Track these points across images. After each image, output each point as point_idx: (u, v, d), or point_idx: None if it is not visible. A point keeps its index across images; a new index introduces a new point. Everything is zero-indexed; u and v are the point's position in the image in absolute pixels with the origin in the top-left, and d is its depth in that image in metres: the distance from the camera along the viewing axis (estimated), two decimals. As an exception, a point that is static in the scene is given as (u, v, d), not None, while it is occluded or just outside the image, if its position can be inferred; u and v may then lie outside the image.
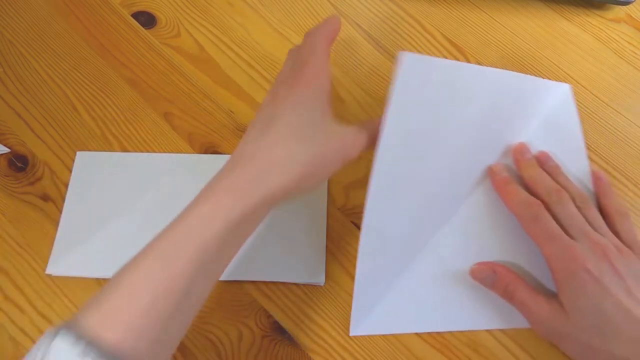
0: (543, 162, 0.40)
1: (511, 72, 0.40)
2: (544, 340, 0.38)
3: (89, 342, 0.24)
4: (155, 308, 0.26)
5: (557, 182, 0.38)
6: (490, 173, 0.40)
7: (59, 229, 0.41)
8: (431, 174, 0.37)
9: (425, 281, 0.39)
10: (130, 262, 0.28)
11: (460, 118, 0.38)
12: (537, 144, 0.41)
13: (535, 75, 0.46)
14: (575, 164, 0.41)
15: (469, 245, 0.39)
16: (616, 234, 0.36)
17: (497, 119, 0.40)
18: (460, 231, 0.40)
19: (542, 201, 0.37)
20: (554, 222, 0.35)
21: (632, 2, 0.47)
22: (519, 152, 0.41)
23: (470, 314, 0.38)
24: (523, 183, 0.39)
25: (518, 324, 0.37)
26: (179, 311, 0.27)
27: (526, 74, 0.46)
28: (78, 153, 0.43)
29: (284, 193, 0.30)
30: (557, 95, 0.44)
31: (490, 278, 0.38)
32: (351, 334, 0.38)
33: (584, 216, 0.36)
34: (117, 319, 0.26)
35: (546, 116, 0.42)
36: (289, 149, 0.30)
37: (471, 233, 0.40)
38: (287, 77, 0.33)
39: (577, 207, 0.36)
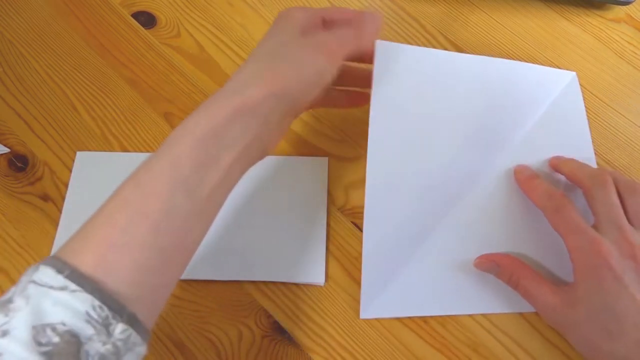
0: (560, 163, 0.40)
1: (516, 61, 0.41)
2: (544, 340, 0.38)
3: (71, 269, 0.24)
4: (133, 229, 0.26)
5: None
6: (515, 173, 0.40)
7: (59, 229, 0.41)
8: (430, 163, 0.38)
9: (433, 265, 0.39)
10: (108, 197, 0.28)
11: (456, 107, 0.38)
12: (543, 133, 0.41)
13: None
14: (581, 151, 0.42)
15: (476, 232, 0.39)
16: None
17: (498, 109, 0.40)
18: (468, 218, 0.40)
19: (584, 186, 0.36)
20: (578, 213, 0.35)
21: (632, 2, 0.47)
22: (556, 159, 0.41)
23: (477, 297, 0.38)
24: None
25: (525, 307, 0.37)
26: (161, 232, 0.27)
27: (526, 74, 0.46)
28: (78, 153, 0.43)
29: (254, 105, 0.30)
30: (563, 84, 0.44)
31: (494, 269, 0.38)
32: (361, 316, 0.38)
33: (625, 207, 0.35)
34: (95, 242, 0.26)
35: (552, 105, 0.42)
36: (255, 65, 0.32)
37: (478, 220, 0.40)
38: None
39: (620, 195, 0.35)
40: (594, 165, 0.41)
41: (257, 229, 0.41)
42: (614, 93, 0.45)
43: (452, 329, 0.38)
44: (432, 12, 0.49)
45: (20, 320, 0.23)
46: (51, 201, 0.42)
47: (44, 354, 0.22)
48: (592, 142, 0.43)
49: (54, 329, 0.23)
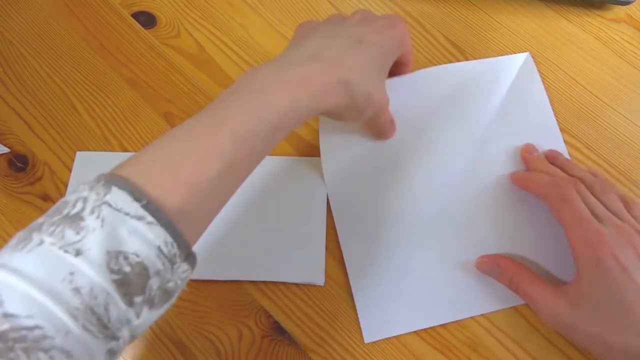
0: (553, 158, 0.40)
1: (470, 61, 0.43)
2: (544, 340, 0.38)
3: (148, 200, 0.24)
4: (222, 183, 0.27)
5: (572, 175, 0.38)
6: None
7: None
8: (398, 185, 0.40)
9: (428, 276, 0.39)
10: (203, 128, 0.28)
11: (421, 123, 0.41)
12: (508, 120, 0.42)
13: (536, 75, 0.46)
14: (546, 130, 0.43)
15: (471, 237, 0.40)
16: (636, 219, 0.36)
17: (465, 112, 0.42)
18: (452, 226, 0.40)
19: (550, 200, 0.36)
20: (583, 205, 0.34)
21: (632, 2, 0.47)
22: (526, 151, 0.41)
23: (477, 299, 0.38)
24: None
25: (519, 300, 0.38)
26: (235, 186, 0.29)
27: (526, 74, 0.46)
28: (78, 153, 0.43)
29: (342, 108, 0.33)
30: (517, 67, 0.44)
31: (495, 271, 0.38)
32: (366, 341, 0.38)
33: (603, 202, 0.35)
34: (180, 184, 0.26)
35: (510, 89, 0.43)
36: (365, 75, 0.33)
37: (465, 225, 0.40)
38: (374, 16, 0.37)
39: (596, 195, 0.36)
40: (561, 143, 0.42)
41: (257, 229, 0.41)
42: (614, 93, 0.45)
43: (452, 329, 0.38)
44: (432, 12, 0.49)
45: (94, 241, 0.23)
46: (51, 201, 0.42)
47: (115, 282, 0.22)
48: (593, 141, 0.43)
49: (126, 258, 0.23)
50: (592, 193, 0.36)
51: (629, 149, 0.43)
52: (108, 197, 0.24)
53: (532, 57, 0.46)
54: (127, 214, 0.23)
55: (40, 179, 0.43)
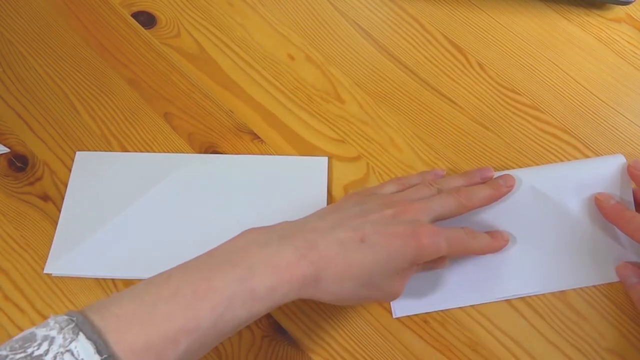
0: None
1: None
2: (544, 340, 0.38)
3: (109, 354, 0.25)
4: (188, 353, 0.27)
5: None
6: (597, 202, 0.40)
7: (58, 228, 0.41)
8: None
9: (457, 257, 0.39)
10: (184, 300, 0.28)
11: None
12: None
13: (536, 75, 0.46)
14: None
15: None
16: None
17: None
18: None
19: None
20: None
21: (632, 2, 0.47)
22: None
23: (503, 282, 0.39)
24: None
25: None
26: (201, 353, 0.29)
27: (526, 74, 0.46)
28: (77, 153, 0.43)
29: (310, 299, 0.32)
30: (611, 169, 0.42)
31: (631, 280, 0.37)
32: (394, 316, 0.38)
33: None
34: (147, 343, 0.26)
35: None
36: (348, 283, 0.32)
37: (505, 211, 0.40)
38: (407, 220, 0.34)
39: None
40: None
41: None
42: (614, 93, 0.45)
43: (452, 329, 0.38)
44: (432, 12, 0.49)
45: None
46: (51, 201, 0.42)
47: None
48: (592, 141, 0.43)
49: None
50: None
51: (629, 149, 0.43)
52: (72, 345, 0.24)
53: (533, 56, 0.46)
54: None
55: (40, 179, 0.43)
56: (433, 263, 0.37)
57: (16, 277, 0.40)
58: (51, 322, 0.25)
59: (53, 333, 0.25)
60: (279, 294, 0.29)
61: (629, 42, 0.47)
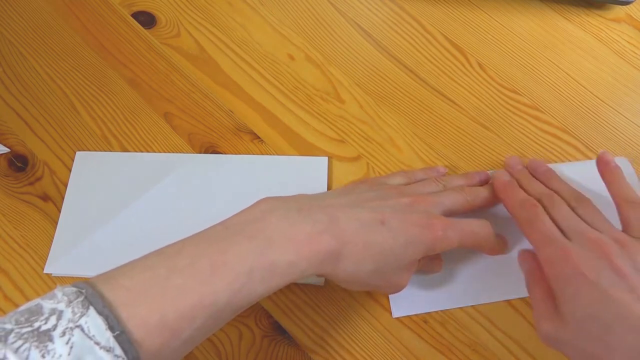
0: (534, 169, 0.40)
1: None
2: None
3: (122, 330, 0.24)
4: (201, 328, 0.27)
5: (550, 187, 0.37)
6: (493, 179, 0.39)
7: (58, 228, 0.41)
8: None
9: (459, 258, 0.39)
10: (199, 272, 0.27)
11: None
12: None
13: (536, 75, 0.46)
14: None
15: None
16: (626, 224, 0.33)
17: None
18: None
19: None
20: (550, 224, 0.33)
21: (632, 2, 0.47)
22: (510, 166, 0.40)
23: (506, 284, 0.39)
24: None
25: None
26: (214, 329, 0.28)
27: (526, 74, 0.46)
28: (77, 153, 0.43)
29: (328, 278, 0.31)
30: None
31: (525, 265, 0.36)
32: (394, 316, 0.38)
33: (580, 215, 0.34)
34: (159, 318, 0.25)
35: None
36: (364, 266, 0.31)
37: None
38: (425, 208, 0.33)
39: (572, 208, 0.35)
40: None
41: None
42: (614, 92, 0.45)
43: (452, 329, 0.38)
44: (432, 12, 0.49)
45: None
46: (51, 201, 0.42)
47: None
48: (592, 141, 0.43)
49: None
50: (568, 206, 0.35)
51: (628, 149, 0.43)
52: (83, 321, 0.23)
53: (533, 56, 0.46)
54: (97, 343, 0.23)
55: (40, 179, 0.43)
56: (430, 266, 0.38)
57: (16, 277, 0.40)
58: (58, 293, 0.24)
59: (61, 306, 0.23)
60: (298, 268, 0.28)
61: (629, 42, 0.47)
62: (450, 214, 0.35)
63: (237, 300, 0.27)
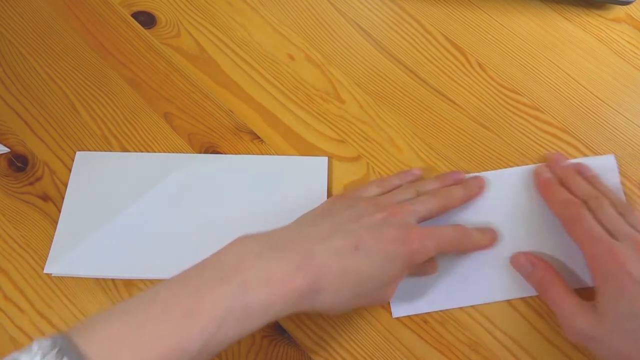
0: (581, 172, 0.40)
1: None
2: (544, 340, 0.38)
3: None
4: None
5: (590, 192, 0.38)
6: (535, 175, 0.41)
7: (58, 228, 0.41)
8: None
9: (459, 257, 0.39)
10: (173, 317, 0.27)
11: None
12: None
13: (536, 75, 0.46)
14: None
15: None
16: None
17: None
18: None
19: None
20: (595, 223, 0.35)
21: (632, 2, 0.47)
22: (555, 161, 0.41)
23: (506, 284, 0.39)
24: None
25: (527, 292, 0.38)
26: None
27: (526, 74, 0.46)
28: (77, 153, 0.43)
29: (308, 312, 0.31)
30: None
31: (527, 269, 0.38)
32: (393, 316, 0.38)
33: (626, 221, 0.35)
34: None
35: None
36: (343, 294, 0.31)
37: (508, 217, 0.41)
38: (399, 224, 0.34)
39: (618, 213, 0.36)
40: None
41: (257, 229, 0.40)
42: (614, 92, 0.45)
43: (452, 329, 0.38)
44: (432, 12, 0.49)
45: None
46: (51, 201, 0.42)
47: None
48: (592, 141, 0.43)
49: None
50: (610, 209, 0.36)
51: (628, 148, 0.43)
52: None
53: (533, 56, 0.46)
54: None
55: (40, 179, 0.43)
56: (423, 269, 0.38)
57: (16, 277, 0.40)
58: (35, 347, 0.25)
59: (37, 359, 0.24)
60: (274, 309, 0.29)
61: (629, 42, 0.47)
62: (427, 219, 0.36)
63: (211, 345, 0.27)
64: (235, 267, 0.29)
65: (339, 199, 0.37)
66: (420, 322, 0.38)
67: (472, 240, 0.38)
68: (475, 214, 0.40)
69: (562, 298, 0.35)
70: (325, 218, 0.34)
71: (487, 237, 0.39)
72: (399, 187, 0.40)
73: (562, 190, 0.38)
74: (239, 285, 0.28)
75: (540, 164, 0.42)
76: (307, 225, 0.34)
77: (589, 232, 0.34)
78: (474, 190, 0.40)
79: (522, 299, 0.39)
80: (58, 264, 0.40)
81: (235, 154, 0.44)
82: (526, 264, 0.38)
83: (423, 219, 0.36)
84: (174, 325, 0.27)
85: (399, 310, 0.38)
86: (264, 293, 0.28)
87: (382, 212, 0.34)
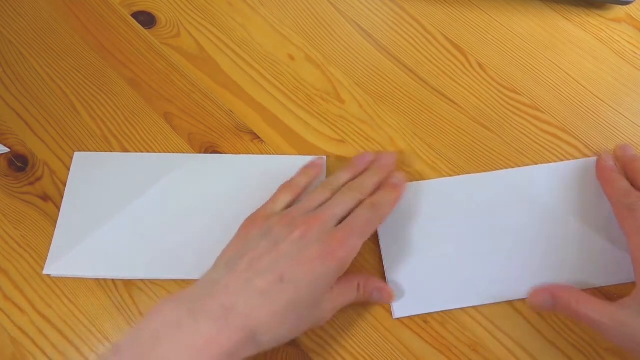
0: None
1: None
2: (544, 340, 0.38)
3: None
4: None
5: None
6: (597, 161, 0.41)
7: (56, 229, 0.41)
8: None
9: (461, 258, 0.39)
10: None
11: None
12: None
13: (536, 75, 0.46)
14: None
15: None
16: None
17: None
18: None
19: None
20: None
21: (632, 2, 0.47)
22: (622, 150, 0.41)
23: (508, 285, 0.39)
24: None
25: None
26: None
27: (526, 74, 0.46)
28: (75, 154, 0.43)
29: (258, 353, 0.31)
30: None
31: (549, 302, 0.36)
32: (395, 316, 0.38)
33: None
34: None
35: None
36: (283, 326, 0.31)
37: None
38: (317, 238, 0.33)
39: None
40: None
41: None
42: (614, 92, 0.45)
43: (452, 329, 0.38)
44: (432, 12, 0.49)
45: None
46: (51, 201, 0.42)
47: None
48: (592, 141, 0.43)
49: None
50: None
51: (629, 149, 0.43)
52: None
53: (533, 56, 0.46)
54: None
55: (40, 179, 0.43)
56: (375, 298, 0.38)
57: (16, 277, 0.40)
58: None
59: None
60: None
61: (629, 42, 0.47)
62: (346, 216, 0.35)
63: None
64: (153, 343, 0.28)
65: (252, 224, 0.36)
66: (420, 322, 0.38)
67: (385, 204, 0.37)
68: (482, 216, 0.40)
69: (595, 313, 0.33)
70: (242, 257, 0.33)
71: (395, 191, 0.38)
72: (307, 186, 0.39)
73: (622, 179, 0.38)
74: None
75: (604, 152, 0.41)
76: (225, 270, 0.33)
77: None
78: (383, 170, 0.39)
79: (523, 299, 0.39)
80: (57, 265, 0.40)
81: (235, 154, 0.44)
82: (546, 297, 0.36)
83: (343, 218, 0.35)
84: None
85: (400, 310, 0.38)
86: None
87: (297, 228, 0.33)
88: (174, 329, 0.29)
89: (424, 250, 0.40)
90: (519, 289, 0.38)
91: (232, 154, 0.44)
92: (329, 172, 0.43)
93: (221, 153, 0.44)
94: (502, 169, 0.43)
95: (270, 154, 0.44)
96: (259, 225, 0.35)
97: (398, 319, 0.38)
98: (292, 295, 0.31)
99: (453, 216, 0.41)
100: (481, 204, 0.41)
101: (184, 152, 0.44)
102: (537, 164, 0.43)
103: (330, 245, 0.33)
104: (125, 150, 0.44)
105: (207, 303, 0.30)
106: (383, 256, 0.39)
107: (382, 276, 0.39)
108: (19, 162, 0.44)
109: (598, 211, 0.40)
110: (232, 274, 0.32)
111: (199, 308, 0.30)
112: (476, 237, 0.40)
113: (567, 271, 0.39)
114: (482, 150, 0.44)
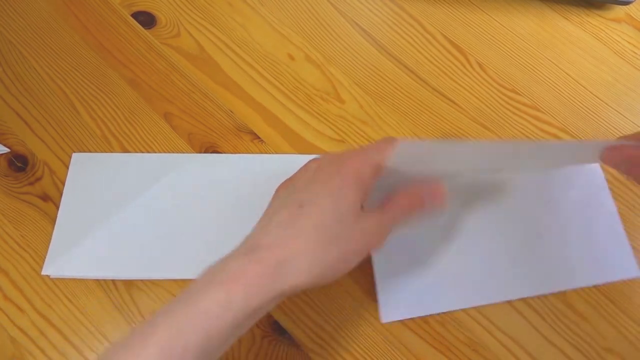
0: None
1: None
2: (544, 339, 0.38)
3: None
4: None
5: None
6: (621, 148, 0.35)
7: (55, 230, 0.40)
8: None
9: (450, 261, 0.39)
10: (130, 346, 0.26)
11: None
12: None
13: (536, 75, 0.46)
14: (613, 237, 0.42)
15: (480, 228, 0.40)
16: None
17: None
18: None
19: None
20: None
21: (632, 2, 0.47)
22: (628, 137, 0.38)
23: (497, 287, 0.39)
24: None
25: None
26: None
27: (526, 74, 0.46)
28: (74, 154, 0.43)
29: (296, 290, 0.29)
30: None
31: (623, 166, 0.33)
32: (383, 321, 0.38)
33: None
34: None
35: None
36: (312, 251, 0.29)
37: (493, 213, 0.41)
38: (329, 162, 0.32)
39: None
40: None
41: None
42: (614, 92, 0.45)
43: (452, 329, 0.38)
44: (432, 12, 0.49)
45: None
46: (51, 201, 0.42)
47: None
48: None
49: None
50: None
51: (629, 149, 0.43)
52: None
53: (533, 56, 0.46)
54: None
55: (40, 179, 0.43)
56: (426, 208, 0.34)
57: (16, 277, 0.40)
58: None
59: None
60: (237, 306, 0.27)
61: (629, 42, 0.47)
62: (382, 170, 0.33)
63: None
64: (196, 292, 0.28)
65: (282, 188, 0.35)
66: (420, 322, 0.38)
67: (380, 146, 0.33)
68: (474, 216, 0.40)
69: None
70: (269, 211, 0.33)
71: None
72: None
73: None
74: (189, 298, 0.27)
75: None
76: (257, 227, 0.32)
77: None
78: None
79: (522, 299, 0.39)
80: (56, 266, 0.39)
81: (235, 154, 0.44)
82: (621, 162, 0.33)
83: (380, 168, 0.32)
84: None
85: (388, 315, 0.38)
86: (222, 292, 0.27)
87: (313, 163, 0.33)
88: (211, 270, 0.29)
89: (415, 254, 0.39)
90: (517, 289, 0.38)
91: (232, 154, 0.44)
92: (329, 172, 0.43)
93: (221, 153, 0.44)
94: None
95: (270, 154, 0.44)
96: (285, 187, 0.35)
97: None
98: (315, 217, 0.29)
99: (444, 217, 0.40)
100: (471, 204, 0.41)
101: (184, 152, 0.44)
102: (537, 164, 0.43)
103: (343, 162, 0.31)
104: (125, 150, 0.44)
105: (234, 251, 0.30)
106: (374, 261, 0.39)
107: (372, 280, 0.39)
108: (19, 162, 0.44)
109: (598, 211, 0.40)
110: (261, 224, 0.31)
111: (228, 256, 0.29)
112: (463, 239, 0.40)
113: (567, 271, 0.39)
114: (482, 150, 0.44)
